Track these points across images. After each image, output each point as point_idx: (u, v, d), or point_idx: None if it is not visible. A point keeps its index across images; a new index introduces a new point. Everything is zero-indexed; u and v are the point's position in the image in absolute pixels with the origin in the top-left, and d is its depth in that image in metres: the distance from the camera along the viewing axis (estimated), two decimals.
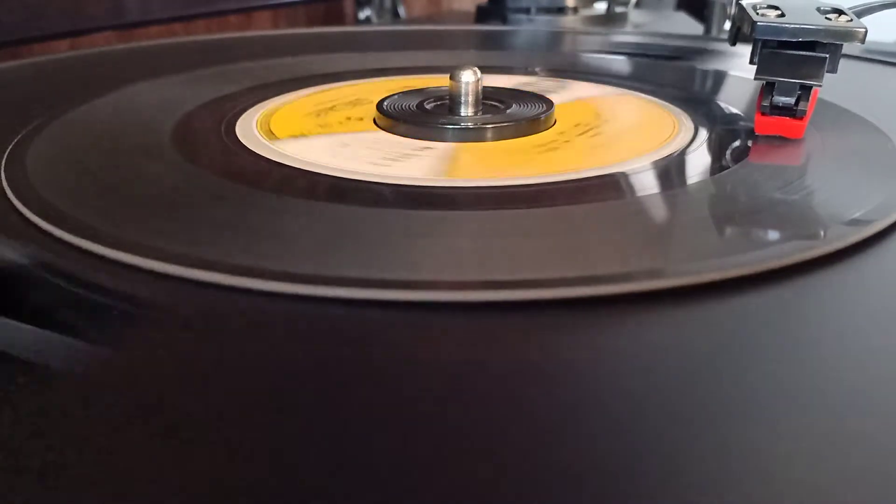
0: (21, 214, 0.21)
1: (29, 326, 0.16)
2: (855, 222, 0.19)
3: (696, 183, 0.24)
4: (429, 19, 0.75)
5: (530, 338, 0.15)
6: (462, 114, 0.28)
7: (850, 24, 0.25)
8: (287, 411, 0.13)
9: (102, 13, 0.54)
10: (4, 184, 0.22)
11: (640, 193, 0.23)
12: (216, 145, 0.27)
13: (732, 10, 0.30)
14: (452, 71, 0.28)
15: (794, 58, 0.26)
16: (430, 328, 0.16)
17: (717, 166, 0.25)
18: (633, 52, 0.46)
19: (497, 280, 0.17)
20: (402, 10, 0.71)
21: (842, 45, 0.25)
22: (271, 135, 0.28)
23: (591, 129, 0.28)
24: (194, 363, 0.15)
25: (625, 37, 0.52)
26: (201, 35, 0.55)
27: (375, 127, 0.28)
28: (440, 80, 0.30)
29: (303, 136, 0.28)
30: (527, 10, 0.62)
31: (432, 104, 0.30)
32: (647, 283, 0.17)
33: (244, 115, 0.30)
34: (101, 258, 0.18)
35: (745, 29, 0.27)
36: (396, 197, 0.22)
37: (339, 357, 0.15)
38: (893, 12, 0.33)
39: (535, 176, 0.23)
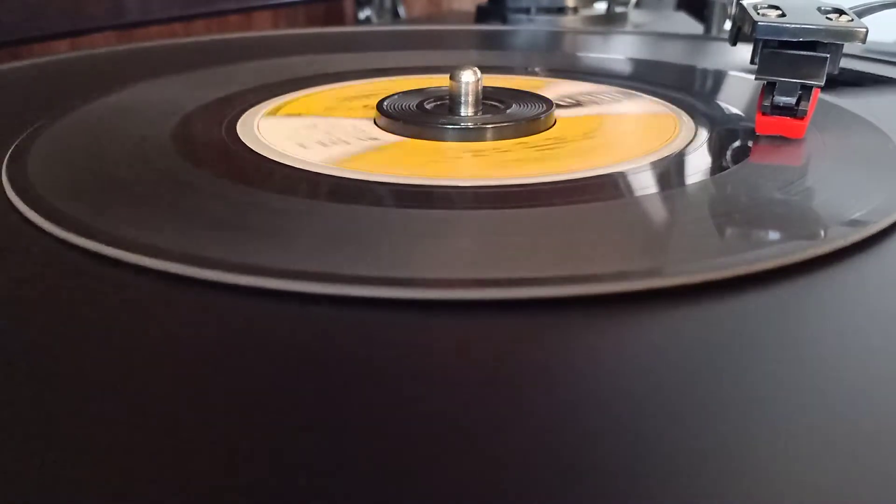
0: (22, 215, 0.21)
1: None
2: (855, 222, 0.19)
3: (696, 183, 0.24)
4: (429, 19, 0.75)
5: (529, 337, 0.15)
6: (462, 114, 0.28)
7: (850, 24, 0.25)
8: (287, 411, 0.13)
9: (102, 13, 0.54)
10: (6, 184, 0.22)
11: (640, 193, 0.23)
12: (217, 145, 0.27)
13: (733, 10, 0.30)
14: (452, 71, 0.28)
15: (794, 58, 0.26)
16: (429, 327, 0.16)
17: (717, 166, 0.25)
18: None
19: (495, 279, 0.17)
20: (402, 10, 0.71)
21: (843, 45, 0.25)
22: (275, 112, 0.30)
23: (591, 129, 0.28)
24: (194, 363, 0.15)
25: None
26: (201, 35, 0.55)
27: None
28: (440, 80, 0.30)
29: (298, 115, 0.30)
30: (527, 10, 0.62)
31: (432, 104, 0.30)
32: (647, 283, 0.17)
33: (245, 115, 0.30)
34: (102, 258, 0.18)
35: (746, 29, 0.27)
36: (396, 196, 0.22)
37: (339, 356, 0.15)
38: (894, 12, 0.33)
39: (534, 176, 0.23)
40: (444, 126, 0.27)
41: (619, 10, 0.65)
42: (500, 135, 0.27)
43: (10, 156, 0.25)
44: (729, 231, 0.20)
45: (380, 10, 0.69)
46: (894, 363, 0.15)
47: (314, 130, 0.28)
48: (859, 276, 0.18)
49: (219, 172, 0.24)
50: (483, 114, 0.28)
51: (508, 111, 0.29)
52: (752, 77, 0.26)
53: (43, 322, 0.16)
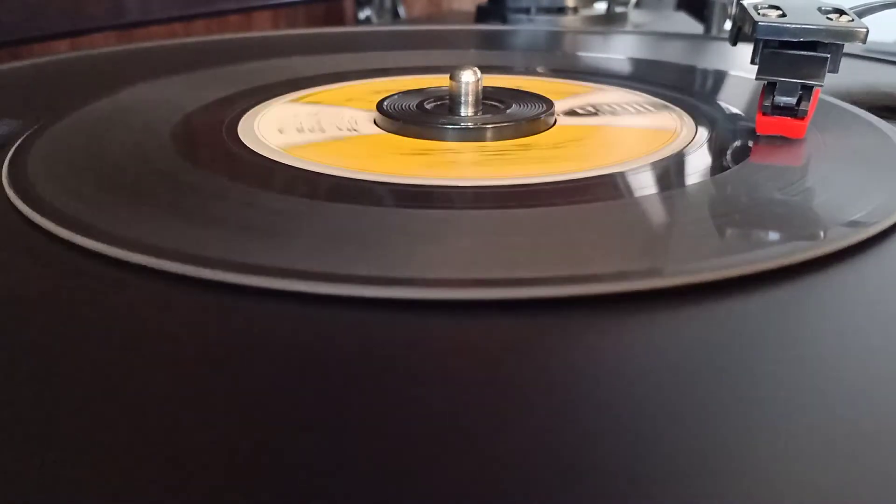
0: (22, 215, 0.21)
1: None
2: (856, 223, 0.19)
3: (697, 183, 0.24)
4: (429, 19, 0.75)
5: (529, 337, 0.15)
6: (462, 114, 0.28)
7: (851, 24, 0.25)
8: (287, 411, 0.13)
9: (102, 13, 0.54)
10: (6, 184, 0.22)
11: (641, 194, 0.23)
12: (218, 145, 0.27)
13: (733, 10, 0.30)
14: (452, 71, 0.28)
15: (795, 58, 0.26)
16: (429, 327, 0.16)
17: (718, 166, 0.25)
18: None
19: (495, 279, 0.17)
20: (402, 10, 0.71)
21: (843, 45, 0.25)
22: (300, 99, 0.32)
23: (591, 129, 0.28)
24: (194, 363, 0.15)
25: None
26: (201, 35, 0.55)
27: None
28: (440, 80, 0.30)
29: (316, 103, 0.32)
30: (527, 10, 0.62)
31: (432, 104, 0.30)
32: (647, 283, 0.17)
33: (246, 115, 0.30)
34: (102, 258, 0.18)
35: (747, 29, 0.27)
36: (396, 196, 0.22)
37: (339, 356, 0.15)
38: (894, 12, 0.33)
39: (535, 176, 0.23)
40: (444, 126, 0.27)
41: (619, 10, 0.65)
42: (500, 135, 0.27)
43: (11, 156, 0.25)
44: (729, 231, 0.20)
45: (380, 10, 0.69)
46: (894, 363, 0.15)
47: (309, 118, 0.29)
48: (859, 277, 0.18)
49: (219, 172, 0.24)
50: (483, 113, 0.28)
51: (508, 111, 0.29)
52: (753, 77, 0.26)
53: (43, 322, 0.16)
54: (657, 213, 0.21)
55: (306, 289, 0.16)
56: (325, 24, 0.70)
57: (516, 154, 0.26)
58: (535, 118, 0.28)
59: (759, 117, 0.27)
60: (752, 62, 0.26)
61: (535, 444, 0.12)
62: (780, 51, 0.26)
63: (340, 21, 0.72)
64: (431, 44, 0.49)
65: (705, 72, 0.40)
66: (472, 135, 0.27)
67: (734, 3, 0.29)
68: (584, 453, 0.12)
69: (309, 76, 0.37)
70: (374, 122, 0.29)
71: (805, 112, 0.26)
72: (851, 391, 0.14)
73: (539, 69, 0.40)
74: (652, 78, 0.37)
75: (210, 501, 0.11)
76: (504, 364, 0.14)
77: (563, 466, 0.12)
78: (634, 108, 0.31)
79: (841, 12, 0.26)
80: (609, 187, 0.23)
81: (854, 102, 0.31)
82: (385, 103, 0.29)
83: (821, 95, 0.26)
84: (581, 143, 0.27)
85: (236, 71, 0.38)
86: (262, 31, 0.63)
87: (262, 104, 0.32)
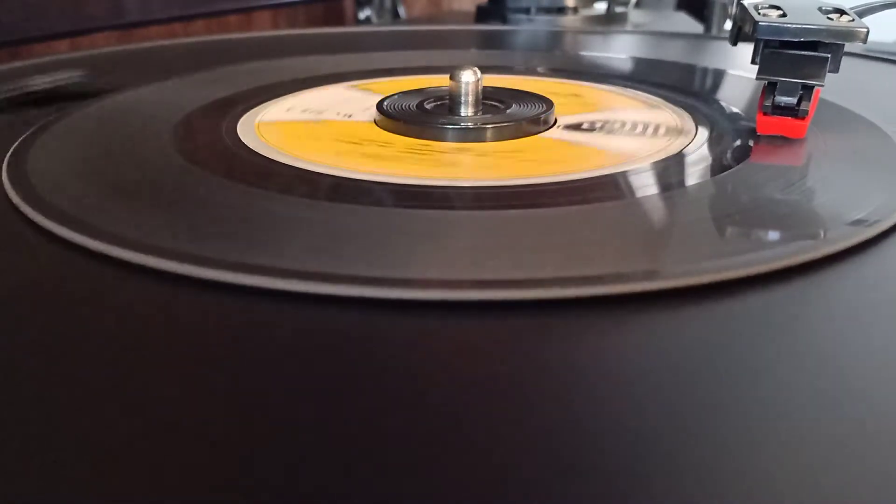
0: (22, 215, 0.21)
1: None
2: (857, 223, 0.19)
3: (697, 183, 0.24)
4: (429, 19, 0.75)
5: (529, 337, 0.15)
6: (462, 114, 0.28)
7: (851, 23, 0.25)
8: (287, 411, 0.13)
9: (102, 13, 0.54)
10: (6, 184, 0.22)
11: (641, 194, 0.23)
12: (218, 145, 0.27)
13: (733, 10, 0.30)
14: (452, 71, 0.28)
15: (795, 58, 0.26)
16: (428, 327, 0.16)
17: (718, 166, 0.25)
18: None
19: (495, 279, 0.17)
20: (402, 10, 0.71)
21: (843, 44, 0.25)
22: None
23: (591, 129, 0.28)
24: (194, 363, 0.15)
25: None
26: (201, 35, 0.55)
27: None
28: (440, 80, 0.30)
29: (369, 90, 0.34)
30: (527, 10, 0.62)
31: (432, 104, 0.30)
32: (647, 284, 0.17)
33: (246, 115, 0.30)
34: (102, 257, 0.18)
35: (747, 29, 0.27)
36: (396, 196, 0.22)
37: (339, 357, 0.15)
38: (894, 12, 0.33)
39: (535, 176, 0.23)
40: (444, 126, 0.27)
41: (619, 10, 0.65)
42: (500, 135, 0.27)
43: (11, 155, 0.25)
44: (730, 232, 0.20)
45: (380, 10, 0.69)
46: (894, 363, 0.15)
47: (325, 101, 0.32)
48: (860, 277, 0.18)
49: (219, 172, 0.24)
50: (483, 113, 0.28)
51: (508, 111, 0.29)
52: (753, 77, 0.26)
53: (43, 322, 0.16)
54: (658, 213, 0.21)
55: (306, 289, 0.16)
56: (325, 24, 0.70)
57: (516, 154, 0.26)
58: (536, 118, 0.28)
59: (759, 117, 0.27)
60: (753, 62, 0.26)
61: (535, 444, 0.12)
62: (780, 51, 0.26)
63: (340, 21, 0.72)
64: (431, 44, 0.49)
65: (705, 71, 0.40)
66: (472, 135, 0.27)
67: (734, 3, 0.29)
68: (584, 453, 0.12)
69: (309, 76, 0.37)
70: (375, 122, 0.29)
71: (806, 112, 0.26)
72: (852, 391, 0.14)
73: (539, 69, 0.40)
74: (652, 78, 0.37)
75: (210, 501, 0.11)
76: (504, 365, 0.14)
77: (563, 466, 0.12)
78: (641, 126, 0.31)
79: (841, 12, 0.26)
80: (609, 188, 0.23)
81: None
82: (385, 103, 0.29)
83: (821, 95, 0.26)
84: (581, 143, 0.27)
85: (236, 71, 0.38)
86: (262, 31, 0.63)
87: (263, 104, 0.32)
